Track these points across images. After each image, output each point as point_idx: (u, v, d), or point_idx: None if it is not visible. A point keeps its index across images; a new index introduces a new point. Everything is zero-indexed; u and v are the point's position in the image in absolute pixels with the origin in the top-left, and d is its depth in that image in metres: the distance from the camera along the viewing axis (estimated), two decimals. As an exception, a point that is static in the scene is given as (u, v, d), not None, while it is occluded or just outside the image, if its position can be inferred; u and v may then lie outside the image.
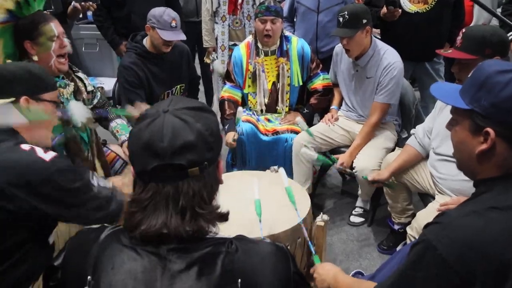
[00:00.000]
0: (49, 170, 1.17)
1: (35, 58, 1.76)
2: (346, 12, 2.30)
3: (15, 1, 1.71)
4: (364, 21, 2.30)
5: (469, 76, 1.00)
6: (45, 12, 1.84)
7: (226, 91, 2.77)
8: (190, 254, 0.85)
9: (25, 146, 1.22)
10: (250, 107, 2.78)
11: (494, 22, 3.16)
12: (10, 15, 1.72)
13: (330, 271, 1.36)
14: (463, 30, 1.82)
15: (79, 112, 1.91)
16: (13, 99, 1.28)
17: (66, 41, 1.83)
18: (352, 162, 2.40)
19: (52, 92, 1.39)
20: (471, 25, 2.97)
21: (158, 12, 2.47)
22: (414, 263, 0.93)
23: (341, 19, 2.31)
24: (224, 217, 0.92)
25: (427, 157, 2.09)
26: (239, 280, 0.84)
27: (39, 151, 1.20)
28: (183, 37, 2.54)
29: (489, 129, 0.92)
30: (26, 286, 1.29)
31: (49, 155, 1.20)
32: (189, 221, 0.85)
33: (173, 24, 2.46)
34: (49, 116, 1.38)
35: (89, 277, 0.85)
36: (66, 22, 3.17)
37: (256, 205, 1.70)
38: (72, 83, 1.95)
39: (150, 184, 0.86)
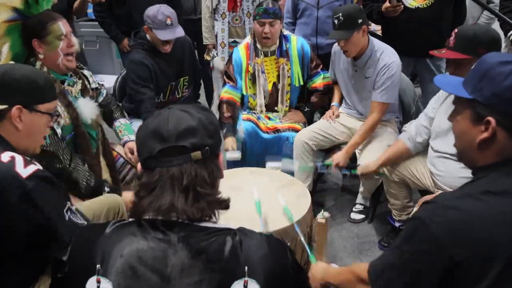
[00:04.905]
0: (24, 189, 1.13)
1: (41, 56, 1.76)
2: (340, 14, 2.27)
3: (24, 0, 1.70)
4: (360, 21, 2.28)
5: (471, 68, 1.03)
6: (52, 11, 1.83)
7: (227, 91, 2.75)
8: (198, 242, 0.90)
9: (5, 156, 1.17)
10: (250, 108, 2.78)
11: (482, 20, 3.16)
12: (18, 13, 1.71)
13: (321, 267, 1.37)
14: (455, 30, 1.82)
15: (88, 109, 1.91)
16: (6, 106, 1.24)
17: (74, 40, 1.83)
18: (351, 159, 2.40)
19: (50, 102, 1.35)
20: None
21: (152, 12, 2.44)
22: (405, 238, 0.96)
23: (336, 21, 2.29)
24: (224, 203, 0.99)
25: (418, 153, 2.11)
26: (246, 268, 0.89)
27: (19, 165, 1.15)
28: (180, 33, 2.51)
29: (490, 118, 0.94)
30: None
31: (28, 170, 1.15)
32: (191, 202, 0.92)
33: (168, 22, 2.42)
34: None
35: (98, 265, 0.89)
36: (71, 19, 3.16)
37: (256, 206, 1.70)
38: (80, 81, 1.95)
39: (156, 169, 0.93)
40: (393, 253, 1.00)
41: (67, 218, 1.21)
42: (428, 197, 1.94)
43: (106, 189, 1.88)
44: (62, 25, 1.78)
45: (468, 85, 1.00)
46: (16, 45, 1.74)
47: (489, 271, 0.87)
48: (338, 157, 2.39)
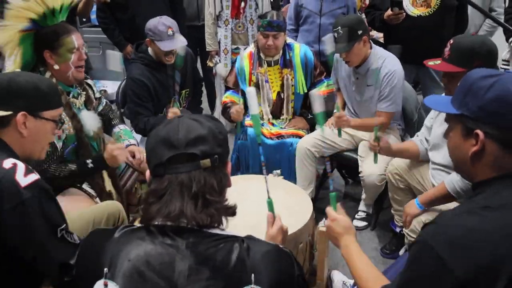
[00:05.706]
0: (20, 198, 1.12)
1: (56, 67, 1.76)
2: (339, 28, 2.28)
3: (41, 12, 1.70)
4: (360, 32, 2.28)
5: (458, 84, 1.07)
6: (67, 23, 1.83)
7: (228, 96, 2.76)
8: (206, 249, 0.91)
9: (7, 163, 1.16)
10: None
11: (485, 28, 3.16)
12: (33, 23, 1.71)
13: (344, 223, 1.37)
14: (451, 41, 1.79)
15: (91, 121, 1.92)
16: (10, 112, 1.24)
17: (84, 52, 1.84)
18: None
19: (55, 110, 1.35)
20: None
21: (153, 23, 2.42)
22: (412, 263, 0.96)
23: (335, 34, 2.30)
24: (232, 209, 1.00)
25: (424, 161, 2.11)
26: (253, 275, 0.89)
27: (19, 173, 1.15)
28: (183, 42, 2.48)
29: (478, 131, 0.98)
30: None
31: (28, 180, 1.14)
32: (201, 208, 0.92)
33: (170, 32, 2.41)
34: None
35: (105, 269, 0.90)
36: (73, 21, 3.16)
37: (268, 205, 1.66)
38: (84, 92, 1.96)
39: (165, 176, 0.94)
40: (403, 279, 0.99)
41: (59, 235, 1.18)
42: (410, 203, 1.94)
43: (88, 162, 1.85)
44: (75, 39, 1.79)
45: (455, 102, 1.04)
46: (27, 53, 1.75)
47: (495, 285, 0.86)
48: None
